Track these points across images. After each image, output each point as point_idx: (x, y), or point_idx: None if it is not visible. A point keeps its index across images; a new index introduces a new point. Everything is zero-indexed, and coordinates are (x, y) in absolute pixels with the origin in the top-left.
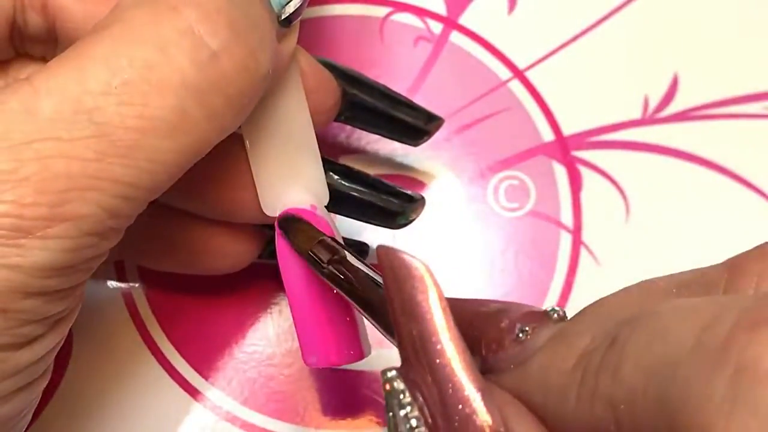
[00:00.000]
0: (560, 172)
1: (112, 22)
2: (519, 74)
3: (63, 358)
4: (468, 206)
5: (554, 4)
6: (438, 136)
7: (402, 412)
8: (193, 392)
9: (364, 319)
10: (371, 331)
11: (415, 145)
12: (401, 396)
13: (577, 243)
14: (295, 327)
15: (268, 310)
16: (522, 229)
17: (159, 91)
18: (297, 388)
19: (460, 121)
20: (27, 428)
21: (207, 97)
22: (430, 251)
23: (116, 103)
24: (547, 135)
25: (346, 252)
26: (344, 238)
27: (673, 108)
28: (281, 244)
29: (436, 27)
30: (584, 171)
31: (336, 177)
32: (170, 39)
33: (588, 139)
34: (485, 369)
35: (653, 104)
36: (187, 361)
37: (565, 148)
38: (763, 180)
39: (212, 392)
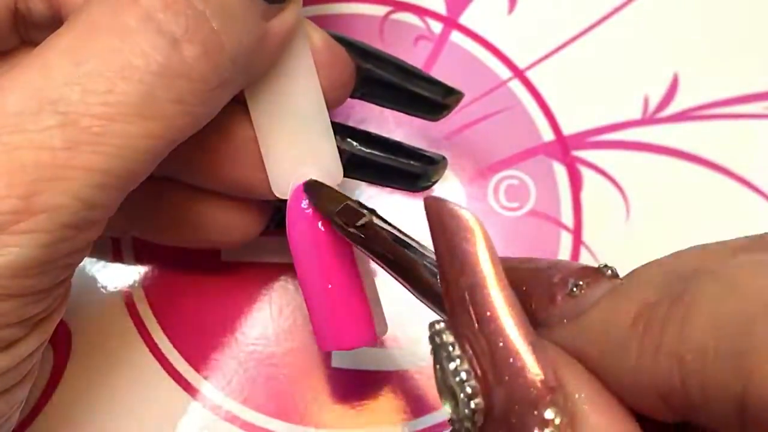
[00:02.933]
0: (560, 171)
1: (75, 17)
2: (519, 74)
3: (63, 358)
4: (468, 206)
5: (554, 4)
6: (438, 135)
7: (451, 366)
8: (192, 392)
9: (380, 301)
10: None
11: (435, 120)
12: (450, 349)
13: (577, 243)
14: (307, 310)
15: (269, 310)
16: (522, 229)
17: (122, 77)
18: (297, 388)
19: (460, 120)
20: (27, 427)
21: (172, 82)
22: (430, 250)
23: (80, 91)
24: (547, 135)
25: (372, 215)
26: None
27: (673, 108)
28: (291, 222)
29: (436, 26)
30: (584, 171)
31: (355, 143)
32: (131, 27)
33: (588, 138)
34: (535, 324)
35: (653, 104)
36: (187, 360)
37: (565, 148)
38: (763, 180)
39: (212, 392)
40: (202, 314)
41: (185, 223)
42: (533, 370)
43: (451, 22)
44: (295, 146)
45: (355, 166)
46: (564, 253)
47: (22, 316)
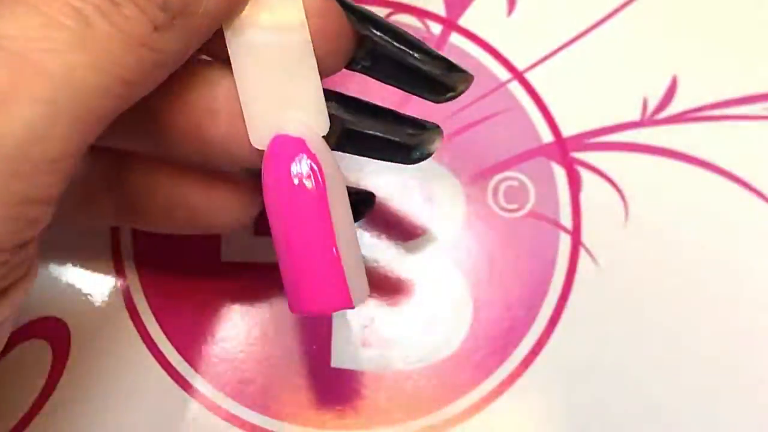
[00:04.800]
0: (559, 173)
1: None
2: (518, 75)
3: (62, 357)
4: (468, 207)
5: (553, 6)
6: None
7: None
8: (192, 391)
9: (362, 264)
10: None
11: (437, 102)
12: None
13: (576, 244)
14: (281, 272)
15: (268, 310)
16: (521, 230)
17: (60, 12)
18: (295, 387)
19: (459, 122)
20: (27, 426)
21: (108, 21)
22: (430, 252)
23: (18, 26)
24: (547, 136)
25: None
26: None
27: (672, 109)
28: (266, 173)
29: (436, 28)
30: (583, 172)
31: (343, 108)
32: None
33: (587, 140)
34: None
35: (652, 106)
36: (187, 360)
37: (564, 150)
38: (763, 182)
39: (211, 392)
40: (202, 315)
41: (177, 206)
42: None
43: (450, 24)
44: (276, 93)
45: (347, 140)
46: (563, 255)
47: None
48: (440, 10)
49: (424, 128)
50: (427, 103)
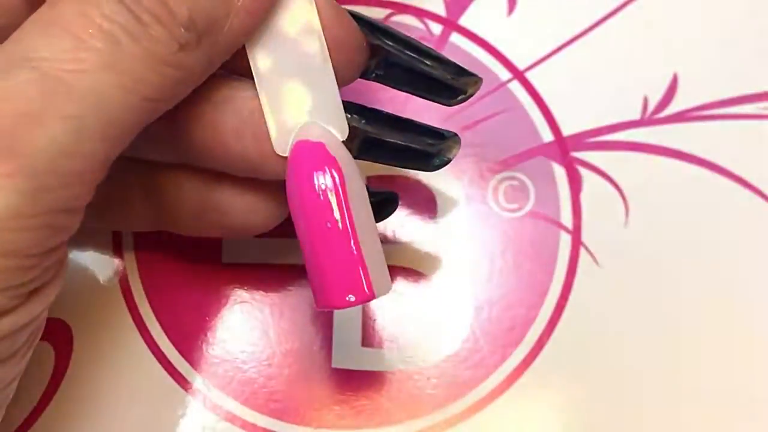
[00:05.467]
0: (560, 172)
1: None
2: (519, 75)
3: (65, 359)
4: (468, 207)
5: (554, 5)
6: None
7: None
8: (193, 392)
9: (382, 257)
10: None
11: (449, 105)
12: None
13: (576, 244)
14: (306, 269)
15: (269, 311)
16: (522, 230)
17: (89, 34)
18: (297, 388)
19: (460, 122)
20: (29, 428)
21: (135, 42)
22: (430, 252)
23: (51, 47)
24: (547, 136)
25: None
26: (370, 189)
27: (672, 108)
28: (290, 177)
29: (436, 28)
30: (584, 172)
31: (363, 120)
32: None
33: (587, 139)
34: None
35: (652, 105)
36: (188, 361)
37: (564, 149)
38: (763, 180)
39: (212, 392)
40: (204, 316)
41: (210, 209)
42: None
43: (450, 24)
44: (297, 102)
45: (368, 149)
46: (563, 254)
47: (8, 282)
48: (440, 10)
49: (443, 137)
50: (427, 103)
